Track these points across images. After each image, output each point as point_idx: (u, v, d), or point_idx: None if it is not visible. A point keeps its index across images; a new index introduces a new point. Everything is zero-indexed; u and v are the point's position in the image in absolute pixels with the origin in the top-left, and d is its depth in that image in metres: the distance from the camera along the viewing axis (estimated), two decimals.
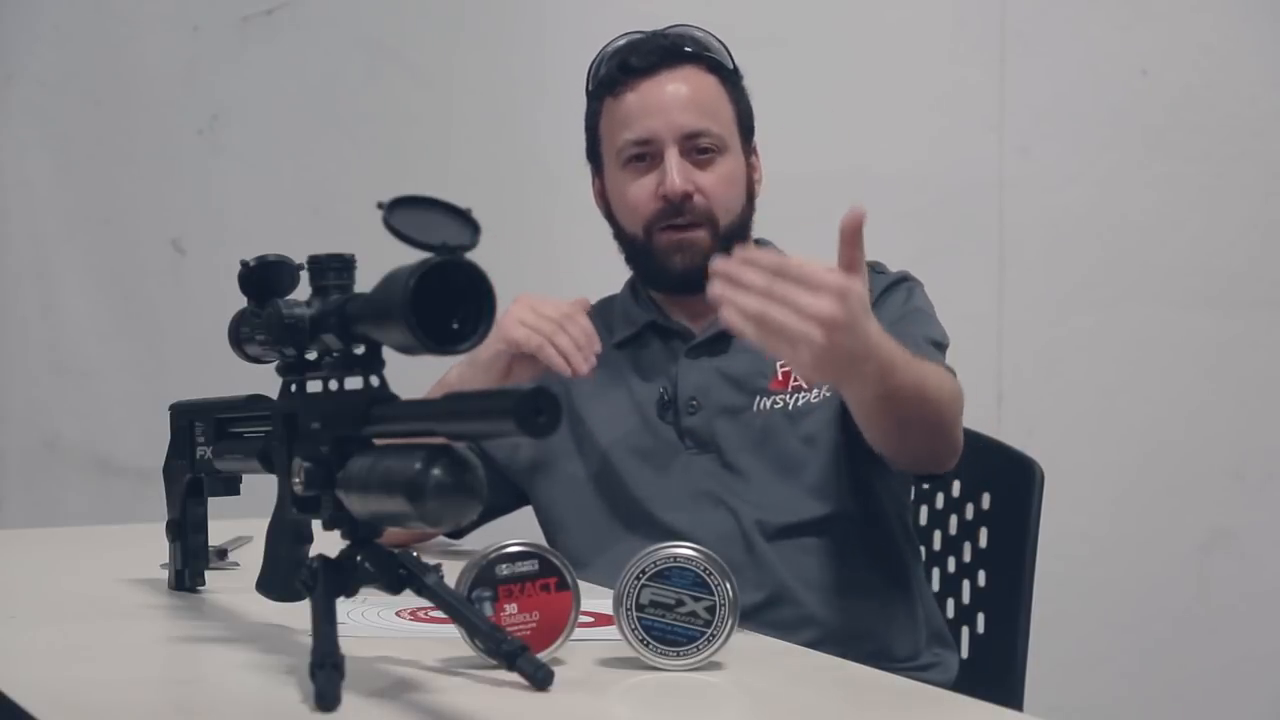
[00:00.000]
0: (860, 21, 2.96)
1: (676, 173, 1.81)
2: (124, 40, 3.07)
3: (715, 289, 1.36)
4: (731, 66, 1.89)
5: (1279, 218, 2.91)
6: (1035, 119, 2.93)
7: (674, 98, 1.83)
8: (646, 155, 1.84)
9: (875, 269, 1.87)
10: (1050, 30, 2.93)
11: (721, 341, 1.85)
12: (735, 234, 1.85)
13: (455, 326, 1.02)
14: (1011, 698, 1.83)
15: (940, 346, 1.80)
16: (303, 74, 3.05)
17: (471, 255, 1.02)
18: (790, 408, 1.81)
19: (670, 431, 1.83)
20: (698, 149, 1.83)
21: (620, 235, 1.90)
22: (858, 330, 1.36)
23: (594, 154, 1.93)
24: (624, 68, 1.85)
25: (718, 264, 1.37)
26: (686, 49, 1.86)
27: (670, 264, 1.85)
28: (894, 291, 1.85)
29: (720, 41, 1.89)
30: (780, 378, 1.83)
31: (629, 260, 1.91)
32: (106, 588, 1.62)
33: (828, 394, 1.80)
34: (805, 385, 1.81)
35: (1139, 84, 2.91)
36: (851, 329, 1.35)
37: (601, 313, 1.97)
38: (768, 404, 1.82)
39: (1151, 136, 2.91)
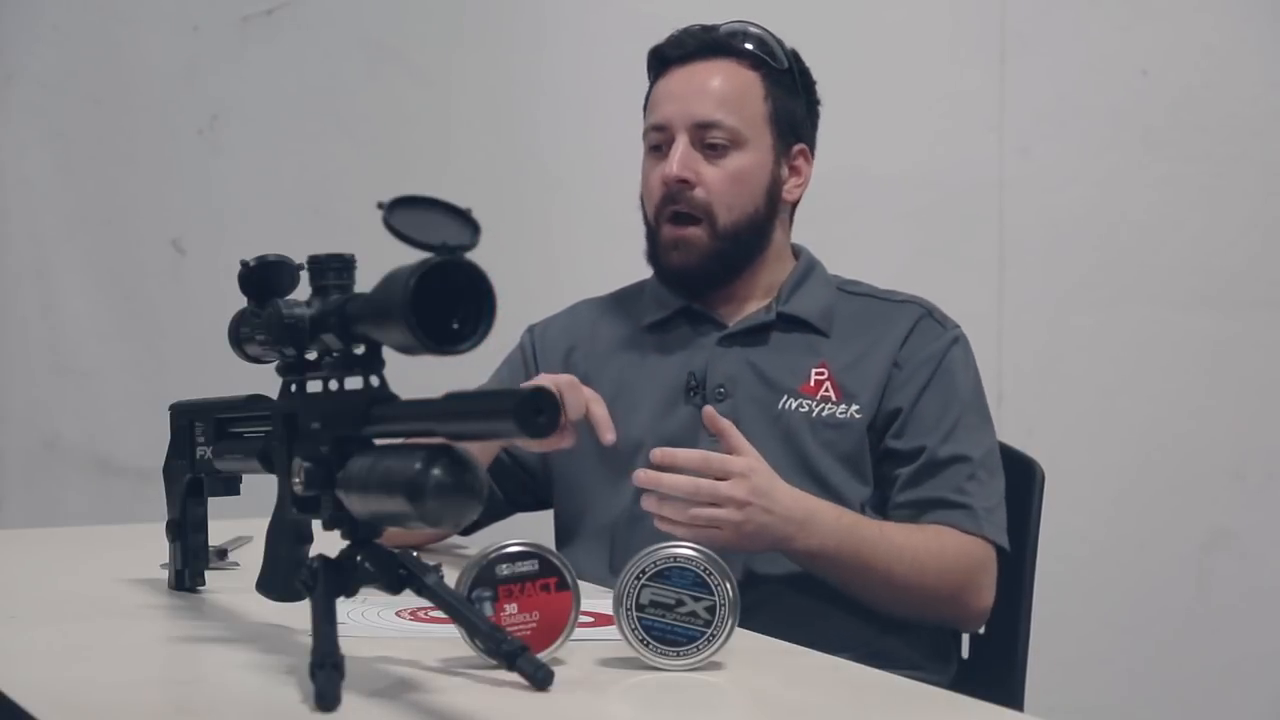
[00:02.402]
0: (860, 21, 2.95)
1: (676, 159, 1.80)
2: (124, 40, 3.07)
3: (647, 504, 1.57)
4: (785, 67, 1.86)
5: (1279, 218, 2.91)
6: (1035, 119, 2.93)
7: (694, 86, 1.83)
8: (662, 142, 1.84)
9: (931, 315, 1.85)
10: (1050, 30, 2.93)
11: (757, 335, 1.84)
12: (740, 234, 1.83)
13: (455, 326, 1.02)
14: (1011, 698, 1.83)
15: (972, 460, 1.77)
16: (303, 74, 3.05)
17: (471, 255, 1.02)
18: (814, 415, 1.79)
19: (694, 416, 1.81)
20: (709, 140, 1.82)
21: (645, 221, 1.89)
22: (771, 499, 1.59)
23: None
24: (661, 55, 1.87)
25: (639, 475, 1.56)
26: (729, 41, 1.85)
27: (669, 259, 1.84)
28: (950, 355, 1.81)
29: (779, 42, 1.88)
30: (812, 384, 1.81)
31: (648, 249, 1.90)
32: (106, 588, 1.62)
33: (856, 414, 1.78)
34: (834, 399, 1.79)
35: (1139, 84, 2.91)
36: (765, 500, 1.59)
37: (623, 301, 1.97)
38: (794, 405, 1.80)
39: (1151, 136, 2.91)
